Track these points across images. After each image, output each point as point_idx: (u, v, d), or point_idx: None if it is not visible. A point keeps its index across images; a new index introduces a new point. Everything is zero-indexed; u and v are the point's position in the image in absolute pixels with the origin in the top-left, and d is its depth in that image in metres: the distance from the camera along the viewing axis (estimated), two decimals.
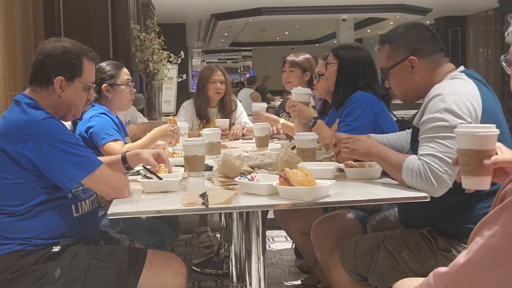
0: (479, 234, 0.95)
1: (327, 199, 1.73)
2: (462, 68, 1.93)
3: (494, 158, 1.37)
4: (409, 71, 1.95)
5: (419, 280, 1.19)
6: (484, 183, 1.40)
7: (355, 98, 2.54)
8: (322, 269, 2.50)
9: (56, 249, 1.79)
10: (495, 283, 0.90)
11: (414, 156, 1.81)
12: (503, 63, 1.24)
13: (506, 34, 1.19)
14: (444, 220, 1.85)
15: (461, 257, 0.97)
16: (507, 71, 1.21)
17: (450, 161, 1.70)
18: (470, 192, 1.47)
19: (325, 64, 2.77)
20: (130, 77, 2.81)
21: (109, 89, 2.71)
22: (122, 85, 2.75)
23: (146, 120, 4.00)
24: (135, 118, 3.83)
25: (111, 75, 2.72)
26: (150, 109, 5.34)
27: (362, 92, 2.56)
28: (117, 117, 2.91)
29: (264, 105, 3.60)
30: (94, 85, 2.05)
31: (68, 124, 2.48)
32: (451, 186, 1.74)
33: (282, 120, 3.39)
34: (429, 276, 1.05)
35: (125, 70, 2.80)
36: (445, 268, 1.01)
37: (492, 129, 1.39)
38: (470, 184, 1.42)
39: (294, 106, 2.78)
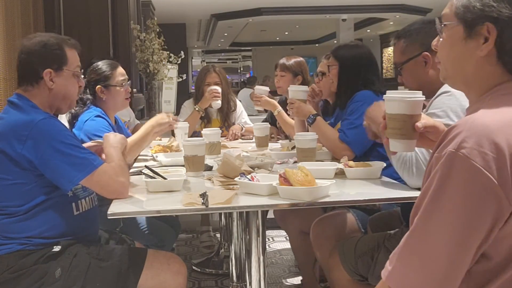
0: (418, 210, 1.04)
1: (327, 199, 1.73)
2: None
3: (424, 122, 1.46)
4: (422, 66, 1.93)
5: None
6: (412, 146, 1.50)
7: (358, 97, 2.54)
8: (322, 269, 2.50)
9: (56, 248, 1.80)
10: (437, 242, 0.99)
11: None
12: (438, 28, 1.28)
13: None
14: None
15: (406, 234, 1.06)
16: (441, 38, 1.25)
17: None
18: None
19: (327, 64, 2.77)
20: (125, 77, 2.71)
21: (103, 91, 2.63)
22: (117, 86, 2.66)
23: (137, 121, 3.98)
24: (133, 118, 3.82)
25: (106, 76, 2.64)
26: (150, 109, 5.34)
27: (364, 91, 2.56)
28: (116, 119, 2.88)
29: (267, 88, 3.58)
30: (82, 70, 2.05)
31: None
32: None
33: (279, 108, 3.38)
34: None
35: (120, 70, 2.71)
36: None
37: (420, 95, 1.48)
38: (400, 147, 1.50)
39: (292, 104, 2.77)
